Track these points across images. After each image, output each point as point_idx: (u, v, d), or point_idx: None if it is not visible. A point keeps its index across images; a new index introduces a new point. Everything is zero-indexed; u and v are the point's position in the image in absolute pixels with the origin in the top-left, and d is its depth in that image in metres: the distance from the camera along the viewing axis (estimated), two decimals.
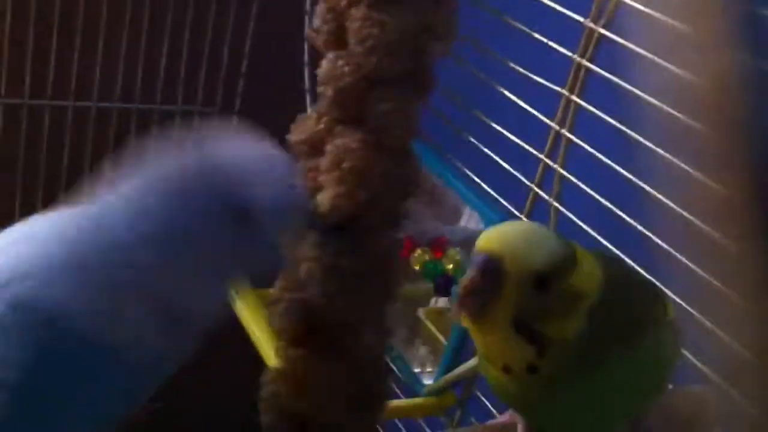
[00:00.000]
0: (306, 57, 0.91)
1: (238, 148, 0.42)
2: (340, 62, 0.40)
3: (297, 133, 0.40)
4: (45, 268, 0.41)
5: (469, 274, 0.55)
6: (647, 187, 0.60)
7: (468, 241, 0.63)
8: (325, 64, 0.40)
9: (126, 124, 1.08)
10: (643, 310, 0.56)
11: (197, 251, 0.41)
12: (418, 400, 0.78)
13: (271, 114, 0.98)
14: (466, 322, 0.59)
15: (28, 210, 0.51)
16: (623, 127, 0.64)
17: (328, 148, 0.40)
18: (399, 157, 0.40)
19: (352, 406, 0.40)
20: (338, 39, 0.40)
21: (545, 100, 0.71)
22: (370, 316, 0.40)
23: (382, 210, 0.40)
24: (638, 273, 0.60)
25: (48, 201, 0.45)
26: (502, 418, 0.66)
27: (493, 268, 0.54)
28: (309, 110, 0.89)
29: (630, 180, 0.65)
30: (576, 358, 0.53)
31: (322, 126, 0.40)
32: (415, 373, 0.81)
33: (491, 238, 0.55)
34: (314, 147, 0.40)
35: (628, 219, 0.65)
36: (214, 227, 0.41)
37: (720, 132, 0.34)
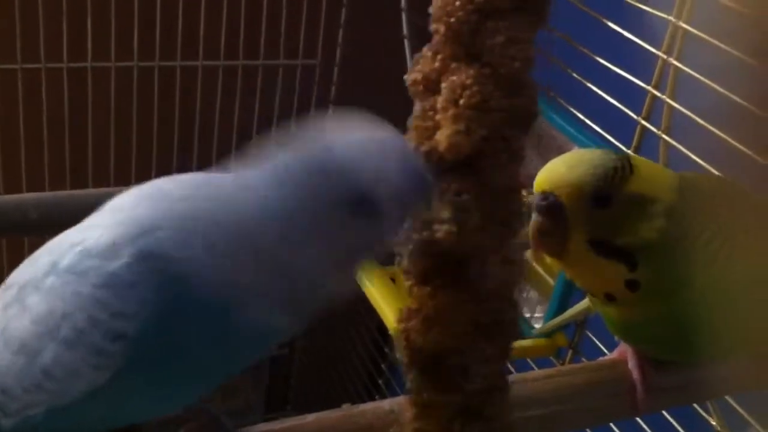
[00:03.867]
0: (403, 3, 0.91)
1: (355, 136, 0.42)
2: None
3: (413, 73, 0.40)
4: (175, 224, 0.42)
5: (533, 217, 0.55)
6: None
7: None
8: (435, 1, 0.40)
9: (232, 81, 1.11)
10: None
11: (321, 239, 0.42)
12: (529, 342, 0.78)
13: (371, 63, 0.98)
14: (554, 264, 0.59)
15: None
16: (736, 52, 0.61)
17: (444, 85, 0.40)
18: (516, 90, 0.39)
19: (481, 337, 0.41)
20: None
21: (650, 29, 0.68)
22: (495, 249, 0.40)
23: (501, 144, 0.40)
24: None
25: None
26: (611, 356, 0.65)
27: (550, 203, 0.54)
28: (408, 57, 0.89)
29: (744, 107, 0.62)
30: (675, 261, 0.52)
31: (437, 64, 0.40)
32: (525, 317, 0.81)
33: (541, 176, 0.55)
34: (430, 86, 0.40)
35: (741, 147, 0.62)
36: (338, 216, 0.41)
37: None
